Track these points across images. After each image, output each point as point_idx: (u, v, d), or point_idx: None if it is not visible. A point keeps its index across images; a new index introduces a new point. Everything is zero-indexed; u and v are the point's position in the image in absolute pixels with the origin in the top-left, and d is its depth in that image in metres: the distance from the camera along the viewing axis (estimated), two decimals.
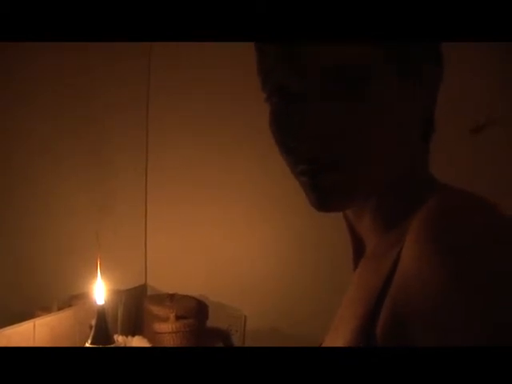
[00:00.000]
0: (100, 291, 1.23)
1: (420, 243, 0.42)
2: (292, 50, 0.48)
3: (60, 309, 1.38)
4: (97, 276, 1.26)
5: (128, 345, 1.36)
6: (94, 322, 1.22)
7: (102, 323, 1.20)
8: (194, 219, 1.60)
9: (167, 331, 1.40)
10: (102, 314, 1.21)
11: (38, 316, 1.31)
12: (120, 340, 1.36)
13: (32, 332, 1.26)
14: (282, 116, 0.51)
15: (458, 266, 0.39)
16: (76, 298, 1.45)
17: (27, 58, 1.30)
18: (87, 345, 1.17)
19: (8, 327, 1.21)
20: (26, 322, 1.26)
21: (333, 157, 0.49)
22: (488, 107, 1.22)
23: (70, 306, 1.41)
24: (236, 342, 1.51)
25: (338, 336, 0.53)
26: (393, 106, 0.49)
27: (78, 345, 1.32)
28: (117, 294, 1.46)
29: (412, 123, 0.52)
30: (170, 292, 1.53)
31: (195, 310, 1.47)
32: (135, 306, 1.55)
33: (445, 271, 0.39)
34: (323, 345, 0.59)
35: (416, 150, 0.54)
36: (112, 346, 1.18)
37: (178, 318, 1.42)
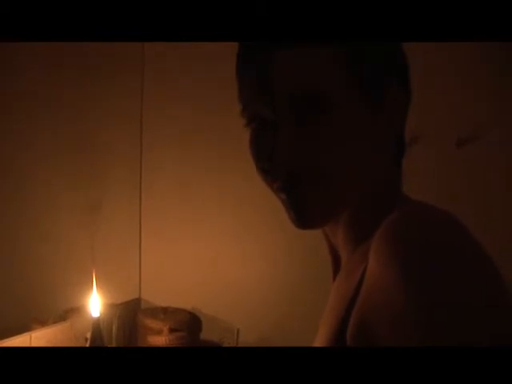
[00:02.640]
0: (95, 304, 1.26)
1: (380, 255, 0.45)
2: (265, 83, 0.53)
3: (55, 322, 1.40)
4: (92, 290, 1.29)
5: None
6: (89, 335, 1.24)
7: (97, 336, 1.23)
8: (187, 235, 1.64)
9: (161, 344, 1.42)
10: (97, 327, 1.23)
11: (34, 329, 1.33)
12: None
13: (28, 344, 1.29)
14: (257, 140, 0.57)
15: (415, 277, 0.41)
16: (71, 312, 1.47)
17: (22, 71, 1.33)
18: None
19: (4, 340, 1.24)
20: (23, 334, 1.28)
21: (305, 176, 0.54)
22: (473, 120, 1.26)
23: (65, 319, 1.44)
24: None
25: (317, 342, 0.57)
26: (360, 128, 0.54)
27: None
28: (111, 308, 1.48)
29: (382, 142, 0.56)
30: (164, 305, 1.56)
31: (188, 323, 1.50)
32: (130, 319, 1.57)
33: (403, 283, 0.41)
34: None
35: (387, 167, 0.58)
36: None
37: (171, 330, 1.45)
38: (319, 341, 0.56)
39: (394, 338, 0.42)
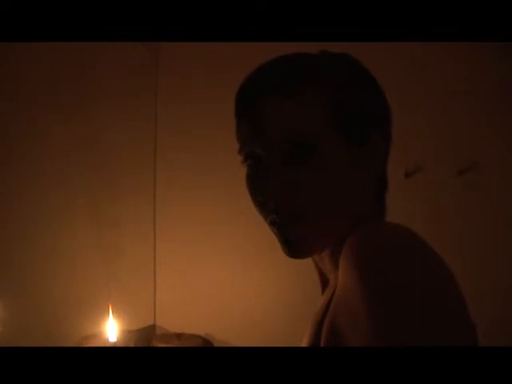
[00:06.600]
0: (112, 330, 1.31)
1: (344, 265, 0.50)
2: (259, 126, 0.60)
3: None
4: (108, 316, 1.34)
5: None
6: None
7: None
8: (202, 262, 1.68)
9: None
10: None
11: None
12: None
13: None
14: (252, 176, 0.64)
15: (373, 286, 0.45)
16: (88, 339, 1.52)
17: (43, 96, 1.41)
18: None
19: None
20: None
21: (295, 211, 0.60)
22: (472, 150, 1.31)
23: (83, 345, 1.48)
24: None
25: (302, 343, 0.64)
26: (342, 168, 0.60)
27: None
28: (127, 334, 1.53)
29: (364, 180, 0.62)
30: (178, 332, 1.60)
31: None
32: (145, 344, 1.61)
33: (363, 290, 0.46)
34: None
35: (369, 204, 0.64)
36: None
37: None
38: (303, 341, 0.63)
39: (355, 340, 0.46)
